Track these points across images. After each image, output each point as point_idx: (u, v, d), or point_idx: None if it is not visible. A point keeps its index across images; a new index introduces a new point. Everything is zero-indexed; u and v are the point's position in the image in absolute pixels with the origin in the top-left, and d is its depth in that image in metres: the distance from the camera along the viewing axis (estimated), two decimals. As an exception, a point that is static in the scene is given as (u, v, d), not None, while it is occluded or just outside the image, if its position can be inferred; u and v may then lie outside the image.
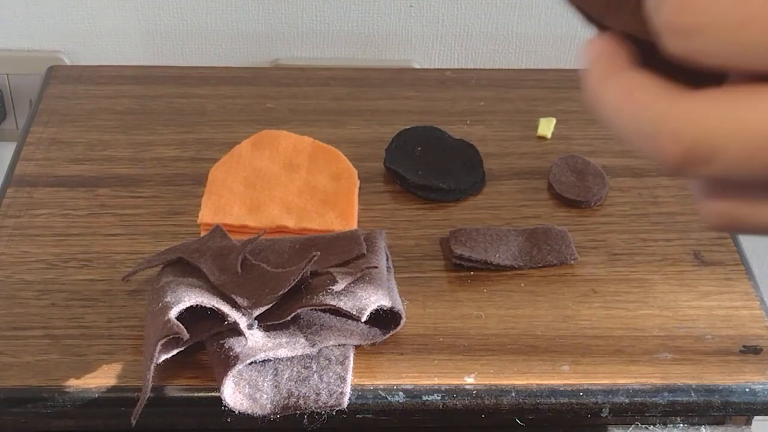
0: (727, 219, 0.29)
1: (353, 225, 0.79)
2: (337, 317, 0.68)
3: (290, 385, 0.64)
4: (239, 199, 0.81)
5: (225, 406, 0.63)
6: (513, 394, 0.67)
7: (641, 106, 0.28)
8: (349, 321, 0.68)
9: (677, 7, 0.25)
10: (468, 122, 0.91)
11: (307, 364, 0.66)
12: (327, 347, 0.67)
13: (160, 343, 0.62)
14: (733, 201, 0.29)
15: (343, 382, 0.65)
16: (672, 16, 0.26)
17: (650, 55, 0.29)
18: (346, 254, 0.72)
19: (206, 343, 0.66)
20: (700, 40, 0.26)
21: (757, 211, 0.29)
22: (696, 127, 0.26)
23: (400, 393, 0.66)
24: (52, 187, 0.83)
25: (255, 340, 0.65)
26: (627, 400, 0.67)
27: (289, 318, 0.66)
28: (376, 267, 0.70)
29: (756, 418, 0.71)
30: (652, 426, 0.70)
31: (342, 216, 0.80)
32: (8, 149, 0.98)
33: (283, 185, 0.82)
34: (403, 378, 0.67)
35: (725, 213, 0.29)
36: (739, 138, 0.26)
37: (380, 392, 0.66)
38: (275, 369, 0.65)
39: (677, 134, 0.26)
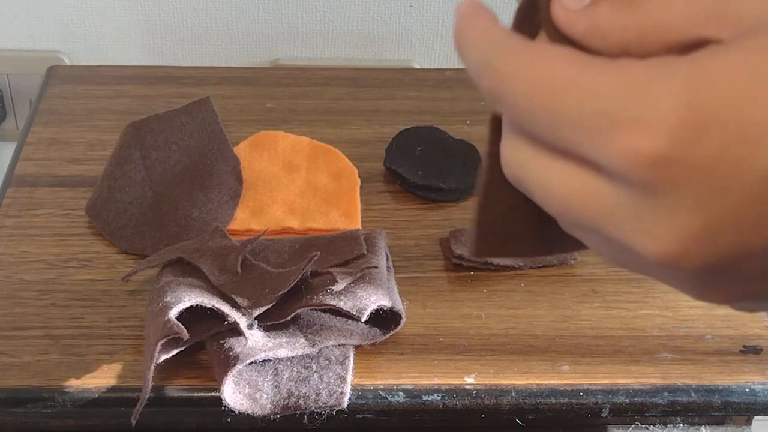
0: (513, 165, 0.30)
1: (357, 223, 0.79)
2: (337, 317, 0.68)
3: (290, 385, 0.64)
4: (241, 202, 0.81)
5: (225, 406, 0.63)
6: (513, 394, 0.67)
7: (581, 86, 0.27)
8: (349, 321, 0.68)
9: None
10: (468, 122, 0.91)
11: (307, 364, 0.66)
12: (327, 347, 0.67)
13: (160, 343, 0.62)
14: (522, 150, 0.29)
15: (343, 382, 0.65)
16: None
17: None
18: (346, 254, 0.72)
19: (206, 343, 0.66)
20: None
21: (536, 171, 0.29)
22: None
23: (400, 393, 0.66)
24: (52, 187, 0.83)
25: (255, 340, 0.65)
26: (627, 400, 0.67)
27: (289, 318, 0.66)
28: (376, 267, 0.70)
29: (756, 418, 0.71)
30: (652, 426, 0.70)
31: (345, 214, 0.80)
32: (8, 149, 0.98)
33: (284, 186, 0.82)
34: (403, 378, 0.67)
35: (510, 158, 0.30)
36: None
37: (380, 392, 0.66)
38: (275, 369, 0.65)
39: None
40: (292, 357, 0.66)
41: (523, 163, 0.30)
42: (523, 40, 0.30)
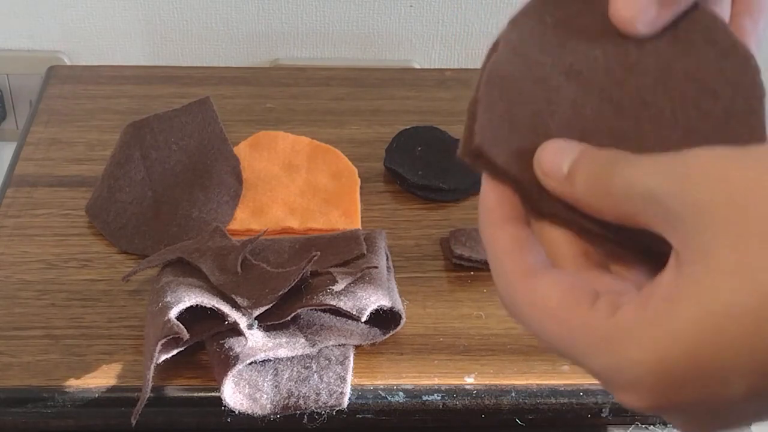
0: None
1: (357, 223, 0.79)
2: (337, 317, 0.68)
3: (290, 385, 0.64)
4: (241, 202, 0.81)
5: (225, 406, 0.63)
6: (513, 394, 0.67)
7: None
8: (349, 321, 0.68)
9: None
10: (468, 122, 0.91)
11: (307, 364, 0.66)
12: (327, 347, 0.67)
13: (160, 343, 0.62)
14: None
15: (343, 382, 0.65)
16: None
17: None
18: (346, 254, 0.72)
19: (206, 343, 0.66)
20: None
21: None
22: None
23: (400, 393, 0.66)
24: (52, 187, 0.83)
25: (255, 340, 0.65)
26: (627, 400, 0.67)
27: (289, 318, 0.66)
28: (376, 267, 0.70)
29: (756, 418, 0.71)
30: (652, 426, 0.70)
31: (345, 214, 0.80)
32: (8, 149, 0.98)
33: (284, 186, 0.82)
34: (403, 378, 0.67)
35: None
36: None
37: (380, 392, 0.66)
38: (275, 369, 0.65)
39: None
40: (292, 357, 0.66)
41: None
42: (521, 268, 0.34)
